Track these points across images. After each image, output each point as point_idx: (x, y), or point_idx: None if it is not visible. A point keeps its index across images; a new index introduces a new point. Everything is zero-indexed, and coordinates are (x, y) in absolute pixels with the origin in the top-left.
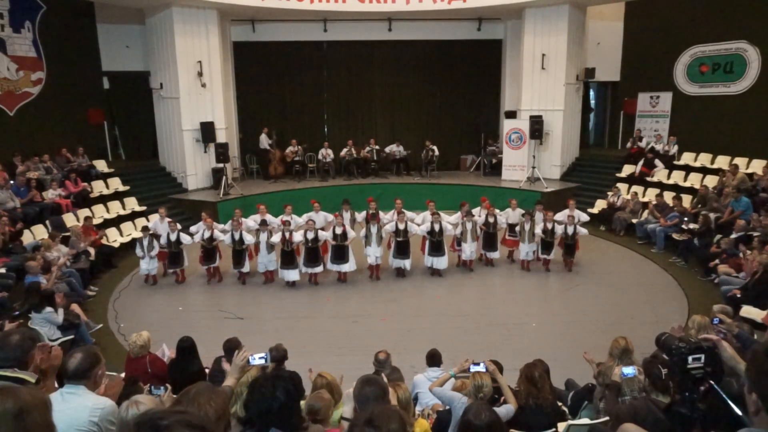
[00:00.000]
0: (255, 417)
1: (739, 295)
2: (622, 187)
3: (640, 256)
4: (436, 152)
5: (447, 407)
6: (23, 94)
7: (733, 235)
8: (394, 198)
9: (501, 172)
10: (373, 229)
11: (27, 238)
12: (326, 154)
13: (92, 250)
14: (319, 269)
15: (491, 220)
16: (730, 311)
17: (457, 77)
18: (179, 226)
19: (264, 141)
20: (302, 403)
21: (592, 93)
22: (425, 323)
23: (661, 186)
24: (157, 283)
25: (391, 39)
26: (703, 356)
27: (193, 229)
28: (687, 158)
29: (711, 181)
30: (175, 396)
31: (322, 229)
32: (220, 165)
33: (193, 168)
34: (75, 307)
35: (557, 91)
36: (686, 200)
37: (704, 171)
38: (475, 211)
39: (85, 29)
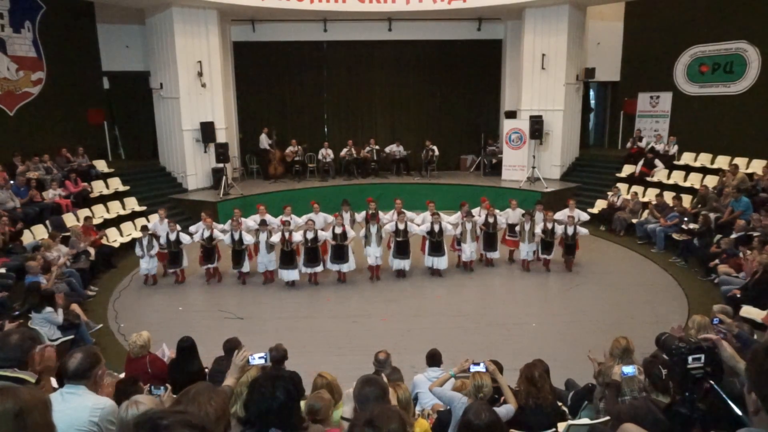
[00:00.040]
0: (255, 417)
1: (739, 295)
2: (622, 187)
3: (640, 256)
4: (436, 152)
5: (447, 407)
6: (23, 94)
7: (733, 235)
8: (394, 198)
9: (501, 172)
10: (373, 230)
11: (27, 238)
12: (326, 154)
13: (92, 250)
14: (318, 269)
15: (491, 220)
16: (730, 311)
17: (457, 77)
18: (179, 227)
19: (264, 141)
20: (302, 403)
21: (592, 93)
22: (425, 323)
23: (661, 186)
24: (156, 283)
25: (391, 39)
26: (703, 356)
27: (192, 228)
28: (687, 158)
29: (711, 181)
30: (175, 396)
31: (322, 229)
32: (220, 165)
33: (193, 168)
34: (75, 307)
35: (557, 91)
36: (686, 200)
37: (704, 171)
38: (475, 211)
39: (85, 29)
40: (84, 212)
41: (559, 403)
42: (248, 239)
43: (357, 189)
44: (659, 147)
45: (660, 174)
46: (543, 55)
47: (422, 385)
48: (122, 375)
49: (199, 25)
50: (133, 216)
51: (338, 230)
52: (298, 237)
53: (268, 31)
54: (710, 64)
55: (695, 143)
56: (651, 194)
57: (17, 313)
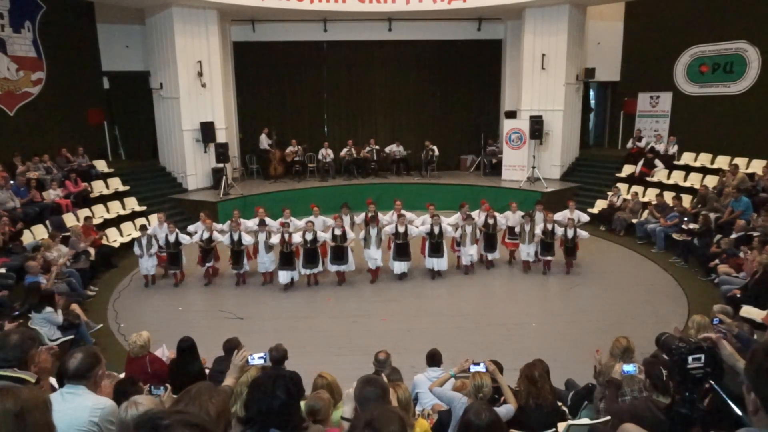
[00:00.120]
0: (255, 416)
1: (739, 295)
2: (622, 187)
3: (640, 256)
4: (436, 152)
5: (447, 407)
6: (23, 94)
7: (733, 235)
8: (393, 198)
9: (501, 172)
10: (373, 232)
11: (27, 238)
12: (326, 154)
13: (92, 250)
14: (317, 270)
15: (491, 221)
16: (730, 311)
17: (457, 77)
18: (177, 230)
19: (264, 141)
20: (302, 403)
21: (592, 93)
22: (425, 323)
23: (661, 186)
24: (156, 283)
25: (391, 39)
26: (703, 356)
27: (191, 228)
28: (687, 158)
29: (711, 181)
30: (175, 396)
31: (322, 231)
32: (220, 165)
33: (193, 168)
34: (75, 307)
35: (557, 91)
36: (686, 200)
37: (704, 171)
38: (474, 213)
39: (85, 29)
40: (84, 212)
41: (559, 403)
42: (247, 240)
43: (357, 189)
44: (659, 147)
45: (660, 174)
46: (543, 55)
47: (422, 385)
48: (122, 375)
49: (199, 25)
50: (133, 216)
51: (338, 232)
52: (297, 238)
53: (268, 31)
54: (710, 64)
55: (695, 143)
56: (651, 194)
57: (17, 313)
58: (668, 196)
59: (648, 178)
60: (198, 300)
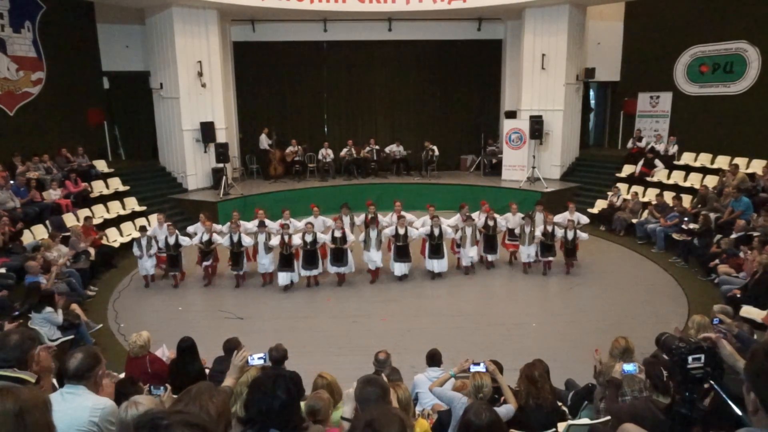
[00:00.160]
0: (255, 416)
1: (739, 295)
2: (622, 187)
3: (640, 256)
4: (436, 152)
5: (447, 407)
6: (23, 94)
7: (733, 235)
8: (393, 199)
9: (501, 172)
10: (373, 234)
11: (27, 238)
12: (326, 154)
13: (92, 250)
14: (316, 272)
15: (491, 223)
16: (730, 311)
17: (457, 77)
18: (177, 231)
19: (264, 141)
20: (302, 403)
21: (592, 93)
22: (425, 323)
23: (661, 186)
24: (155, 282)
25: (391, 39)
26: (703, 356)
27: (190, 230)
28: (687, 158)
29: (711, 181)
30: (175, 396)
31: (321, 233)
32: (220, 165)
33: (193, 168)
34: (75, 307)
35: (557, 91)
36: (686, 200)
37: (704, 171)
38: (475, 214)
39: (85, 29)
40: (84, 212)
41: (559, 403)
42: (247, 241)
43: (357, 189)
44: (659, 147)
45: (660, 174)
46: (543, 55)
47: (422, 385)
48: (122, 375)
49: (199, 25)
50: (133, 216)
51: (338, 234)
52: (297, 240)
53: (268, 31)
54: (710, 64)
55: (695, 143)
56: (651, 194)
57: (17, 313)
58: (668, 196)
59: (648, 178)
60: (198, 300)
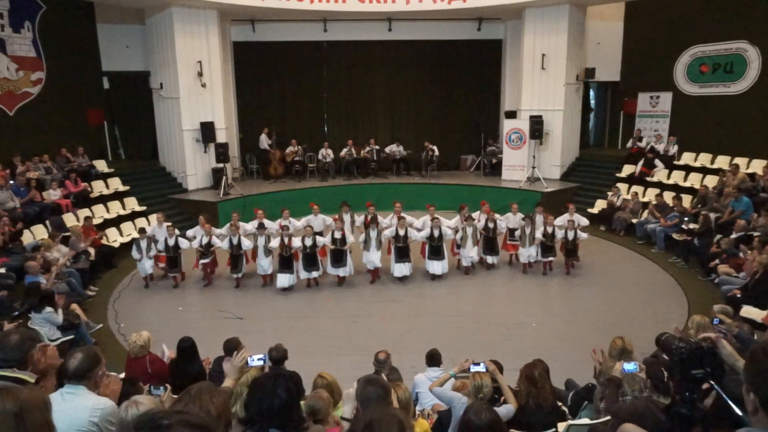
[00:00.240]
0: (255, 416)
1: (739, 295)
2: (622, 187)
3: (640, 256)
4: (436, 152)
5: (447, 407)
6: (23, 94)
7: (733, 235)
8: (393, 199)
9: (501, 172)
10: (373, 234)
11: (27, 238)
12: (326, 154)
13: (92, 250)
14: (316, 274)
15: (491, 225)
16: (730, 311)
17: (457, 77)
18: (177, 231)
19: (264, 141)
20: (302, 403)
21: (592, 93)
22: (425, 323)
23: (661, 186)
24: (155, 282)
25: (391, 39)
26: (703, 359)
27: (189, 233)
28: (687, 158)
29: (711, 181)
30: (175, 396)
31: (321, 233)
32: (220, 165)
33: (193, 168)
34: (75, 307)
35: (557, 91)
36: (686, 200)
37: (704, 171)
38: (475, 215)
39: (85, 29)
40: (84, 212)
41: (559, 403)
42: (246, 244)
43: (357, 189)
44: (659, 147)
45: (660, 174)
46: (543, 55)
47: (422, 385)
48: (122, 375)
49: (199, 25)
50: (133, 216)
51: (338, 235)
52: (297, 243)
53: (268, 31)
54: (710, 64)
55: (695, 143)
56: (651, 194)
57: (17, 313)
58: (668, 196)
59: (648, 178)
60: (198, 300)
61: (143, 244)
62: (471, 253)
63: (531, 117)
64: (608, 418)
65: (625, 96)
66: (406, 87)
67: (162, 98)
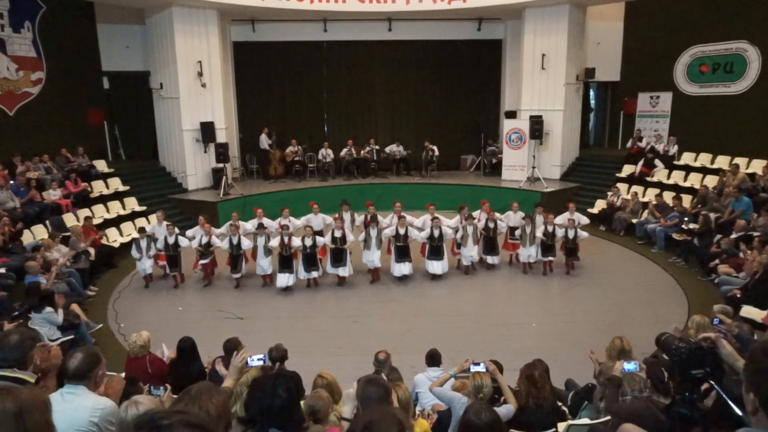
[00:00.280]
0: (256, 416)
1: (739, 295)
2: (622, 187)
3: (640, 256)
4: (436, 152)
5: (447, 407)
6: (23, 94)
7: (733, 235)
8: (393, 199)
9: (501, 172)
10: (373, 233)
11: (27, 238)
12: (326, 154)
13: (92, 250)
14: (316, 274)
15: (491, 225)
16: (730, 311)
17: (457, 77)
18: (177, 230)
19: (264, 141)
20: (302, 403)
21: (592, 93)
22: (425, 323)
23: (661, 186)
24: (155, 281)
25: (391, 39)
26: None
27: (189, 233)
28: (687, 158)
29: (711, 181)
30: (175, 396)
31: (321, 232)
32: (220, 165)
33: (193, 168)
34: (75, 307)
35: (557, 91)
36: (686, 200)
37: (704, 171)
38: (475, 214)
39: (85, 29)
40: (84, 212)
41: (559, 403)
42: (246, 244)
43: (357, 189)
44: (659, 147)
45: (660, 174)
46: (543, 55)
47: (422, 385)
48: (122, 375)
49: (199, 25)
50: (133, 216)
51: (338, 234)
52: (296, 242)
53: (268, 31)
54: (710, 64)
55: (695, 143)
56: (651, 194)
57: (17, 313)
58: (668, 196)
59: (648, 178)
60: (198, 300)
61: (143, 243)
62: (471, 252)
63: (531, 117)
64: (608, 418)
65: (625, 96)
66: (406, 87)
67: (162, 98)
